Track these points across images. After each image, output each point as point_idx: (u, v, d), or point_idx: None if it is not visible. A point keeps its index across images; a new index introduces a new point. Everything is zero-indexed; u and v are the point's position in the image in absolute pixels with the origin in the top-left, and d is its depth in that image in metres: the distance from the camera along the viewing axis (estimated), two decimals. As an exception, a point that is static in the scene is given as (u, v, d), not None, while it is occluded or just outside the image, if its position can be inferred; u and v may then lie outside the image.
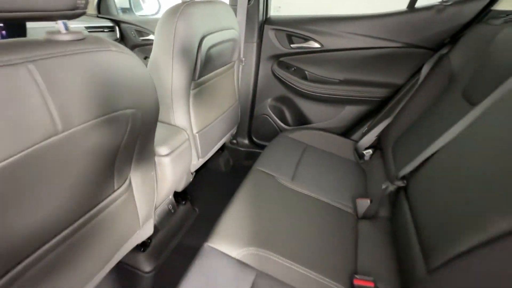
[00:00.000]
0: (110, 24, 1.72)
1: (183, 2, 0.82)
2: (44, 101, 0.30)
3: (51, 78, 0.31)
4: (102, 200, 0.55)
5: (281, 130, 1.46)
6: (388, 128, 1.06)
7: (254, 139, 1.56)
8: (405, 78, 1.12)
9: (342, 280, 0.64)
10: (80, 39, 0.36)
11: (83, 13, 0.34)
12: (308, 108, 1.37)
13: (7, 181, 0.31)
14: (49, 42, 0.33)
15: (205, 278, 0.62)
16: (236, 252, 0.68)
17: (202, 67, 0.87)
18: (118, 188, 0.59)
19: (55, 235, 0.47)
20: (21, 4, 0.29)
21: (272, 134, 1.37)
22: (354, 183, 1.00)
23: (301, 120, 1.42)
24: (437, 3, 1.00)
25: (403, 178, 0.76)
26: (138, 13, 1.79)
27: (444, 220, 0.53)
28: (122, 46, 0.43)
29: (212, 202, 0.80)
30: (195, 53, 0.82)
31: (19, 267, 0.41)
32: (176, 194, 1.17)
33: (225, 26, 0.95)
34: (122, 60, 0.41)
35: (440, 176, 0.63)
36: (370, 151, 1.12)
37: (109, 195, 0.57)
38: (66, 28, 0.34)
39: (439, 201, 0.58)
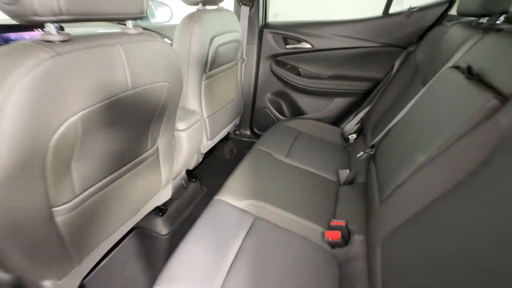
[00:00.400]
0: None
1: (197, 10, 1.02)
2: (124, 68, 0.50)
3: (128, 54, 0.50)
4: (140, 155, 0.75)
5: (279, 121, 1.65)
6: (368, 115, 1.24)
7: (255, 130, 1.75)
8: (383, 72, 1.31)
9: (321, 223, 0.82)
10: (140, 33, 0.56)
11: (143, 16, 0.54)
12: (302, 101, 1.57)
13: (104, 115, 0.50)
14: (125, 34, 0.53)
15: (215, 220, 0.80)
16: (239, 203, 0.86)
17: (212, 62, 1.07)
18: (150, 149, 0.78)
19: (111, 173, 0.66)
20: (107, 9, 0.49)
21: (271, 125, 1.56)
22: (339, 160, 1.18)
23: (297, 112, 1.61)
24: (406, 10, 1.20)
25: (372, 146, 0.94)
26: (152, 20, 2.01)
27: (392, 163, 0.71)
28: (163, 39, 0.63)
29: (217, 183, 0.98)
30: (207, 50, 1.02)
31: (90, 190, 0.60)
32: (188, 174, 1.36)
33: (230, 29, 1.15)
34: (164, 47, 0.61)
35: (393, 137, 0.82)
36: (354, 135, 1.30)
37: (144, 152, 0.76)
38: (133, 26, 0.55)
39: (391, 153, 0.77)
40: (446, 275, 0.42)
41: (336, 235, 0.75)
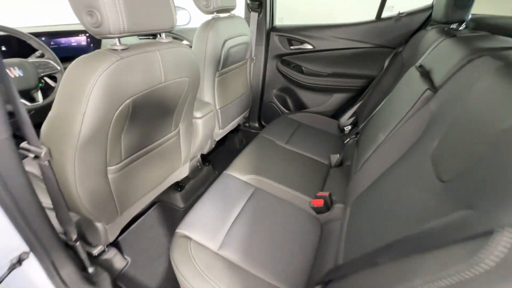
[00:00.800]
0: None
1: (212, 18, 1.22)
2: (160, 67, 0.71)
3: (163, 57, 0.71)
4: (166, 135, 0.96)
5: (283, 114, 1.83)
6: (361, 108, 1.40)
7: (263, 122, 1.94)
8: (376, 70, 1.46)
9: (309, 194, 1.00)
10: (170, 41, 0.76)
11: (172, 28, 0.74)
12: (305, 96, 1.74)
13: (145, 100, 0.71)
14: (160, 42, 0.73)
15: (223, 188, 1.00)
16: (243, 177, 1.06)
17: (224, 62, 1.27)
18: (173, 131, 0.99)
19: (145, 147, 0.87)
20: (150, 27, 0.69)
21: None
22: (332, 148, 1.35)
23: (300, 106, 1.78)
24: (396, 15, 1.34)
25: (357, 133, 1.11)
26: (173, 24, 2.24)
27: (365, 143, 0.88)
28: (185, 45, 0.84)
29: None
30: (220, 52, 1.22)
31: (130, 158, 0.82)
32: (203, 158, 1.57)
33: (240, 33, 1.34)
34: (187, 52, 0.81)
35: (370, 124, 0.98)
36: (349, 127, 1.46)
37: (169, 133, 0.97)
38: (165, 36, 0.75)
39: (367, 136, 0.93)
40: (380, 230, 0.55)
41: (319, 202, 0.92)
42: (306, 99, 1.74)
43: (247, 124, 1.95)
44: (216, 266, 0.72)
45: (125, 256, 1.10)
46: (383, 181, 0.68)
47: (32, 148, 0.62)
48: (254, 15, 1.55)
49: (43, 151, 0.62)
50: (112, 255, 1.05)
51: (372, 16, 1.40)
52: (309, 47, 1.60)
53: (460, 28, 0.87)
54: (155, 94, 0.74)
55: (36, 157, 0.62)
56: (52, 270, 0.70)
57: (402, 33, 1.34)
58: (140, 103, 0.70)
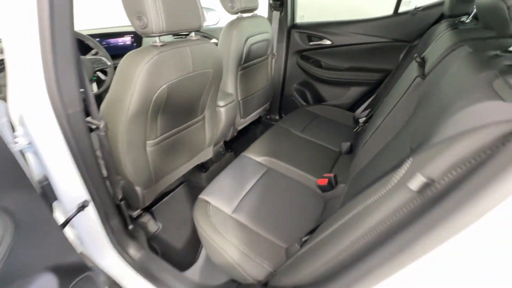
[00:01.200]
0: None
1: (237, 18, 1.37)
2: (190, 60, 0.87)
3: (192, 52, 0.87)
4: (193, 119, 1.13)
5: (302, 106, 1.93)
6: (375, 101, 1.45)
7: (283, 115, 2.05)
8: (393, 64, 1.49)
9: (316, 175, 1.11)
10: (199, 39, 0.93)
11: (200, 27, 0.90)
12: (323, 90, 1.82)
13: (178, 87, 0.88)
14: (190, 40, 0.90)
15: (240, 166, 1.15)
16: (258, 158, 1.20)
17: (246, 57, 1.41)
18: (199, 115, 1.16)
19: (176, 127, 1.05)
20: (182, 27, 0.86)
21: None
22: (345, 137, 1.42)
23: (319, 99, 1.86)
24: (412, 9, 1.37)
25: (365, 122, 1.18)
26: (204, 24, 2.44)
27: (368, 127, 0.96)
28: (211, 42, 0.99)
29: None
30: (242, 48, 1.36)
31: (164, 135, 1.00)
32: (226, 145, 1.73)
33: (262, 31, 1.47)
34: (212, 47, 0.97)
35: (375, 112, 1.05)
36: (364, 118, 1.52)
37: (196, 117, 1.14)
38: (194, 35, 0.92)
39: (370, 122, 1.01)
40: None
41: (324, 181, 1.03)
42: (324, 93, 1.82)
43: (268, 117, 2.08)
44: (229, 225, 0.86)
45: (157, 222, 1.30)
46: (375, 160, 0.77)
47: (94, 121, 0.82)
48: (276, 14, 1.67)
49: (101, 124, 0.81)
50: (147, 219, 1.25)
51: (390, 11, 1.44)
52: (328, 42, 1.67)
53: (467, 21, 0.91)
54: (185, 82, 0.91)
55: (97, 128, 0.82)
56: (104, 218, 0.90)
57: (418, 27, 1.37)
58: (173, 89, 0.87)
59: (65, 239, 0.64)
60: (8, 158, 0.49)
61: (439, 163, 0.33)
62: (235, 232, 0.84)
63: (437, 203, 0.31)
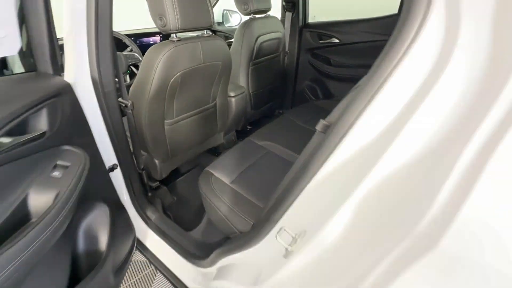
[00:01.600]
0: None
1: (249, 19, 1.53)
2: (200, 52, 1.05)
3: (203, 46, 1.05)
4: (205, 105, 1.31)
5: (310, 100, 2.03)
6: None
7: (295, 110, 2.17)
8: (398, 61, 1.54)
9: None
10: (210, 35, 1.11)
11: (211, 26, 1.08)
12: (333, 86, 1.91)
13: (190, 75, 1.07)
14: (202, 36, 1.08)
15: (243, 148, 1.30)
16: (260, 142, 1.34)
17: (256, 54, 1.57)
18: (211, 103, 1.34)
19: (190, 111, 1.24)
20: (195, 26, 1.04)
21: None
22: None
23: (328, 95, 1.96)
24: (416, 8, 1.41)
25: None
26: (227, 25, 2.64)
27: None
28: (220, 38, 1.17)
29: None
30: (253, 45, 1.52)
31: (180, 116, 1.19)
32: (238, 134, 1.90)
33: (272, 30, 1.62)
34: (221, 43, 1.14)
35: None
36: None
37: (208, 104, 1.32)
38: (207, 33, 1.10)
39: None
40: None
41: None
42: (333, 89, 1.91)
43: (280, 111, 2.21)
44: (227, 192, 1.02)
45: (173, 196, 1.50)
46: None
47: (123, 101, 1.03)
48: (288, 15, 1.81)
49: (129, 103, 1.02)
50: (164, 191, 1.46)
51: (395, 10, 1.50)
52: (337, 40, 1.77)
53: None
54: (197, 72, 1.09)
55: (126, 106, 1.03)
56: (128, 181, 1.11)
57: (421, 25, 1.41)
58: (186, 76, 1.06)
59: (110, 180, 0.88)
60: (81, 115, 0.73)
61: (335, 112, 0.47)
62: (229, 196, 1.00)
63: (330, 137, 0.44)
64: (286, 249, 0.50)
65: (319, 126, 0.50)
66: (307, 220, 0.51)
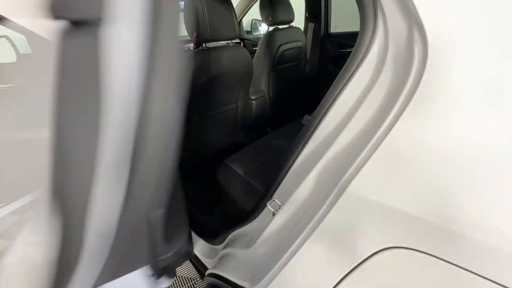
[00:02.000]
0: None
1: (273, 29, 1.68)
2: (225, 60, 1.22)
3: (227, 54, 1.23)
4: (229, 105, 1.48)
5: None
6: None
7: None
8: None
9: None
10: (234, 45, 1.28)
11: (235, 37, 1.24)
12: (351, 93, 1.98)
13: (217, 79, 1.24)
14: (227, 46, 1.25)
15: (259, 146, 1.44)
16: (275, 142, 1.47)
17: (278, 60, 1.71)
18: (233, 104, 1.51)
19: (216, 109, 1.41)
20: (222, 37, 1.21)
21: None
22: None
23: (346, 102, 2.02)
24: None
25: None
26: (255, 33, 2.82)
27: None
28: (244, 47, 1.33)
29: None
30: (275, 53, 1.67)
31: (206, 115, 1.37)
32: (257, 136, 2.04)
33: (294, 39, 1.75)
34: (244, 51, 1.30)
35: None
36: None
37: (231, 105, 1.49)
38: (232, 42, 1.27)
39: None
40: None
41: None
42: (352, 96, 1.98)
43: (299, 116, 2.32)
44: (241, 182, 1.17)
45: (194, 185, 1.69)
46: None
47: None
48: (311, 25, 1.93)
49: None
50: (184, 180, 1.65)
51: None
52: (355, 50, 1.84)
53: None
54: (221, 76, 1.26)
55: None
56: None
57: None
58: (214, 80, 1.24)
59: None
60: None
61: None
62: (242, 185, 1.14)
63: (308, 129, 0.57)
64: (273, 213, 0.63)
65: (304, 120, 0.63)
66: (290, 191, 0.64)
